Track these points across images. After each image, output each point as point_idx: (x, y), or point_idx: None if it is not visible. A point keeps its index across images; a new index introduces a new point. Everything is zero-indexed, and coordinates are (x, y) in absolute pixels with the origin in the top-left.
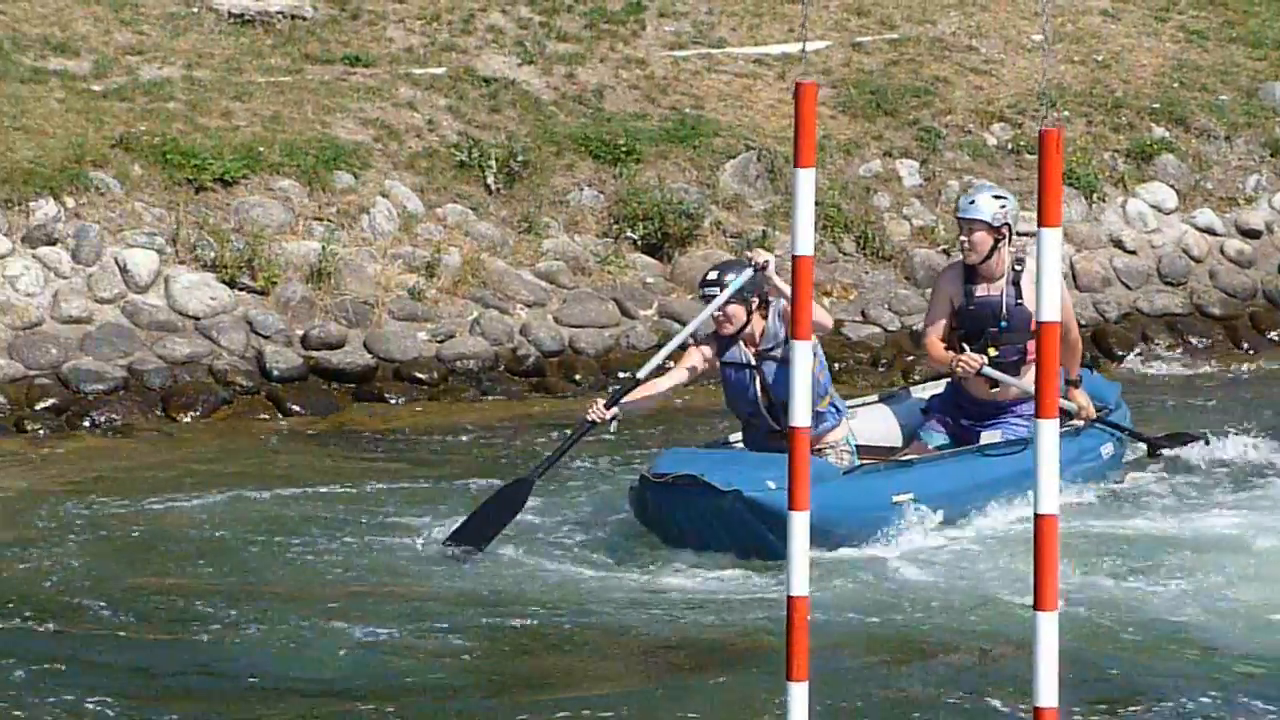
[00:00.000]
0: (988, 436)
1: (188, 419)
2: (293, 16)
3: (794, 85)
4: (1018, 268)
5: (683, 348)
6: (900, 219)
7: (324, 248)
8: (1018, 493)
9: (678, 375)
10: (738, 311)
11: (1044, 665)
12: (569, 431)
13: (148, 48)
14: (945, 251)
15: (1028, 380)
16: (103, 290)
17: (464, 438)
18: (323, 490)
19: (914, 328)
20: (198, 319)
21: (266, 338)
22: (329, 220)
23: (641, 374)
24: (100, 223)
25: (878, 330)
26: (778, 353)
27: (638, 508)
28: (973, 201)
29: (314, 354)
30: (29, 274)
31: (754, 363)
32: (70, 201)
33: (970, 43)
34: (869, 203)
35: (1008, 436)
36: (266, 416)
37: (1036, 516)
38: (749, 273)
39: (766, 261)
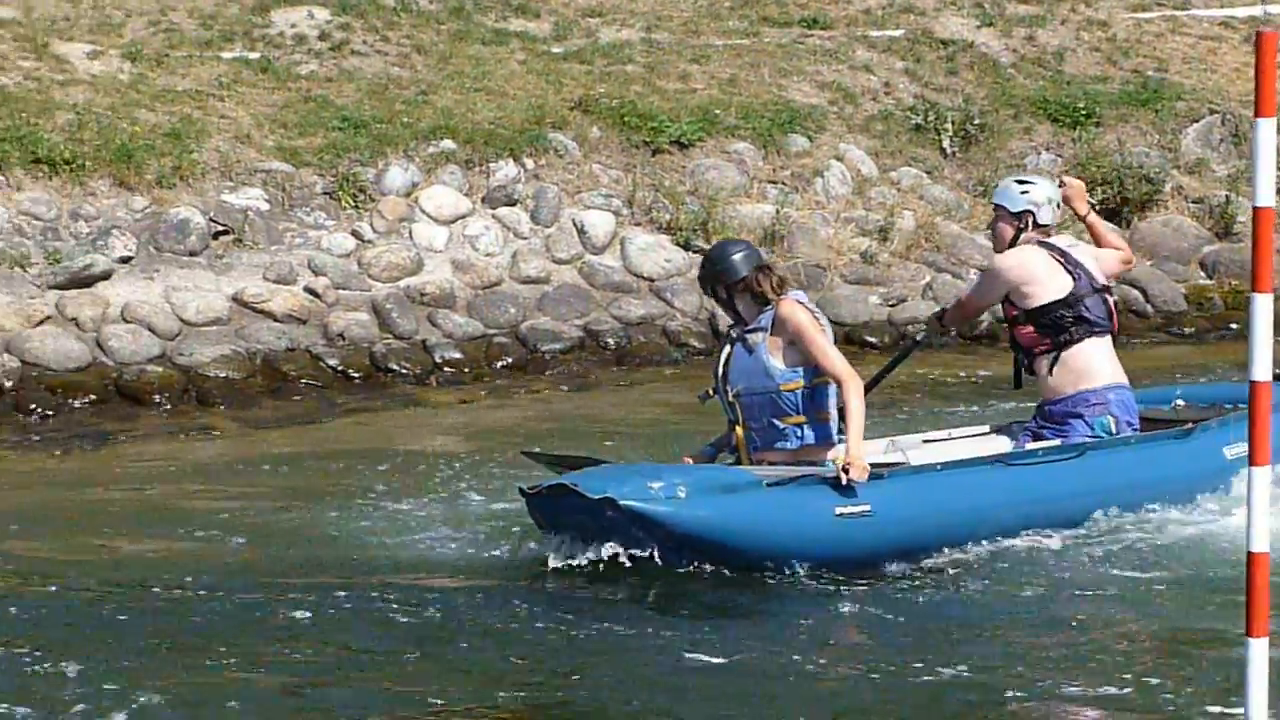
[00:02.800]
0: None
1: (640, 377)
2: None
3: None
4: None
5: None
6: None
7: (777, 210)
8: (1032, 510)
9: None
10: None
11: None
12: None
13: (607, 10)
14: None
15: (1056, 375)
16: (560, 251)
17: (918, 394)
18: None
19: None
20: (652, 280)
21: None
22: (783, 183)
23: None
24: (559, 184)
25: None
26: (751, 338)
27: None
28: (997, 188)
29: None
30: (489, 234)
31: (732, 338)
32: (530, 163)
33: None
34: None
35: (1067, 443)
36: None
37: (1248, 554)
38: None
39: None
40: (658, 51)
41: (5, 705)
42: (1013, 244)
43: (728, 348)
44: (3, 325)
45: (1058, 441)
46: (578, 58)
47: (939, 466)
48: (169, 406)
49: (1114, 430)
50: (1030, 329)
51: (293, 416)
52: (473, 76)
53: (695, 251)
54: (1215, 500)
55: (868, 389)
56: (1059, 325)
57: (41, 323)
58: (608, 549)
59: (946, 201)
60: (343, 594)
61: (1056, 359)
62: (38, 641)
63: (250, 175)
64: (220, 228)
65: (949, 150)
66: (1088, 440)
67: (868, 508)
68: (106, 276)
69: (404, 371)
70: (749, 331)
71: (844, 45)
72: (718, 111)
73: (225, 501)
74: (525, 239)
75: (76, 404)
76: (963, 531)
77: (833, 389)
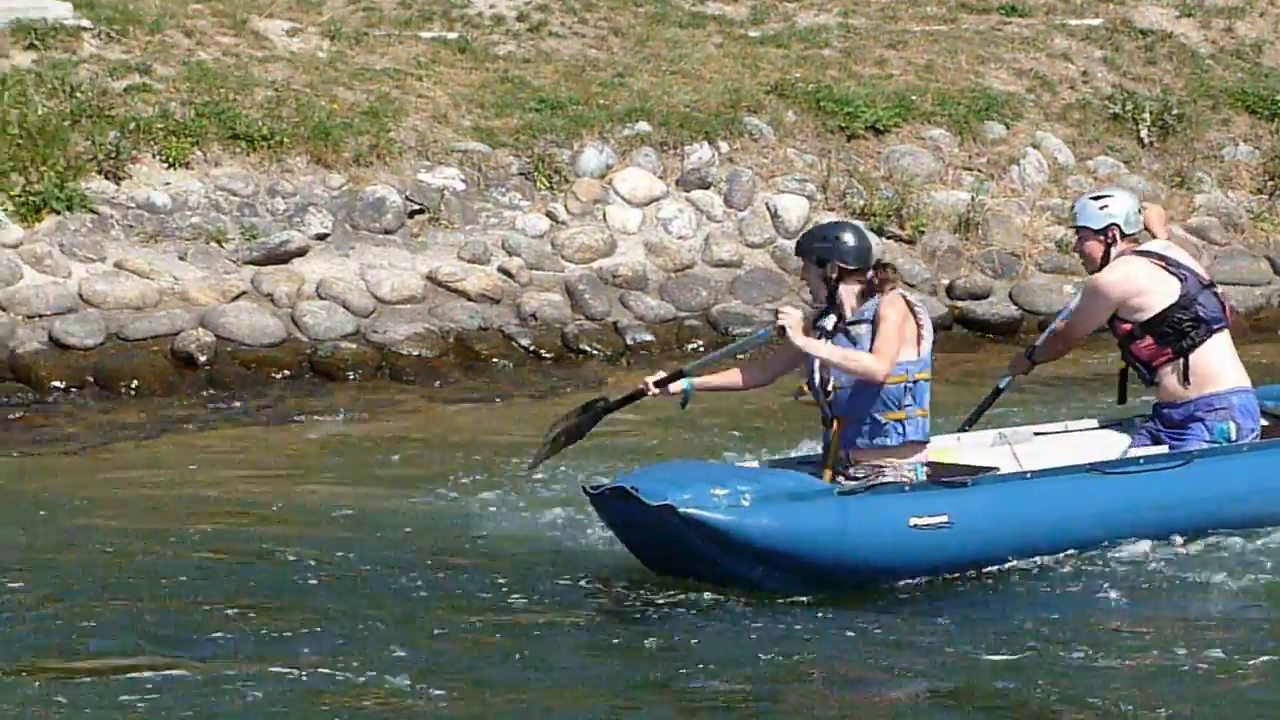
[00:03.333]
0: (1138, 450)
1: None
2: None
3: None
4: None
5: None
6: None
7: (973, 198)
8: (1129, 522)
9: (758, 369)
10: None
11: None
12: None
13: None
14: None
15: (1183, 381)
16: (753, 235)
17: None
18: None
19: None
20: None
21: (912, 286)
22: (978, 170)
23: (687, 368)
24: (753, 168)
25: None
26: (855, 329)
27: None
28: (1077, 209)
29: (959, 304)
30: (682, 217)
31: (830, 331)
32: (724, 146)
33: None
34: None
35: (1178, 449)
36: None
37: None
38: (763, 334)
39: (783, 328)
40: (854, 36)
41: (252, 669)
42: (1104, 261)
43: (824, 340)
44: (198, 300)
45: (1164, 448)
46: (774, 42)
47: (1028, 475)
48: (362, 383)
49: (1234, 436)
50: (1149, 341)
51: (484, 394)
52: (669, 59)
53: (889, 237)
54: None
55: (960, 428)
56: (1179, 330)
57: (237, 298)
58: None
59: (1143, 191)
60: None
61: (1186, 365)
62: (270, 606)
63: (447, 155)
64: (416, 206)
65: (1146, 140)
66: (1196, 448)
67: (945, 518)
68: (302, 253)
69: (595, 353)
70: (853, 323)
71: (1042, 33)
72: (914, 97)
73: (416, 470)
74: (718, 222)
75: (270, 379)
76: (1047, 544)
77: (928, 385)
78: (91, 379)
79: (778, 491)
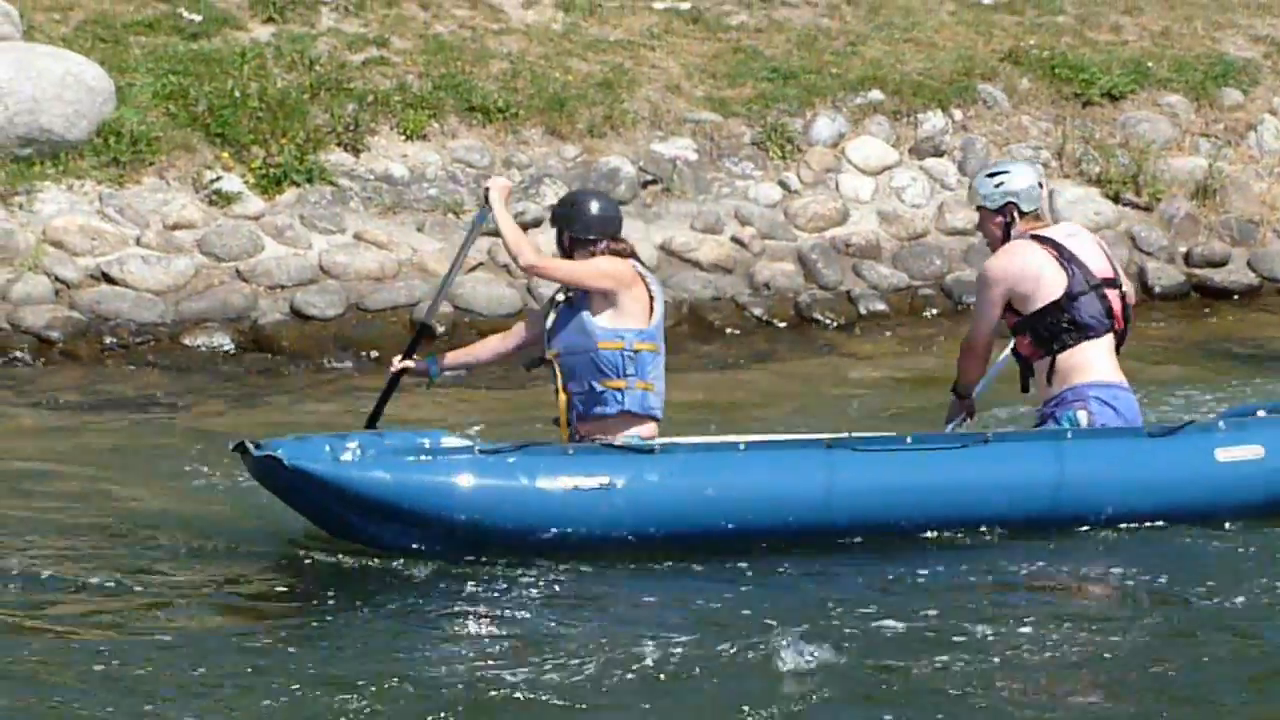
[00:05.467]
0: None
1: None
2: None
3: None
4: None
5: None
6: None
7: (1210, 164)
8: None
9: (501, 342)
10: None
11: None
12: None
13: None
14: None
15: (1040, 377)
16: None
17: None
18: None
19: None
20: None
21: (1149, 254)
22: (1215, 137)
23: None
24: (986, 135)
25: None
26: (573, 295)
27: None
28: (972, 186)
29: (1196, 271)
30: (915, 185)
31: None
32: (958, 114)
33: None
34: None
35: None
36: (1143, 324)
37: None
38: (480, 217)
39: (488, 189)
40: (1089, 2)
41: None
42: (1005, 242)
43: (552, 312)
44: (436, 271)
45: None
46: (1008, 9)
47: (741, 445)
48: None
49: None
50: (1028, 339)
51: (717, 362)
52: (902, 28)
53: (1125, 204)
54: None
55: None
56: (1053, 333)
57: (474, 269)
58: None
59: None
60: None
61: (1053, 365)
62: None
63: (679, 125)
64: (649, 177)
65: None
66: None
67: (608, 480)
68: (537, 224)
69: (828, 322)
70: (570, 294)
71: None
72: (1149, 64)
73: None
74: (952, 190)
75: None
76: (733, 518)
77: (654, 357)
78: (332, 348)
79: (389, 450)
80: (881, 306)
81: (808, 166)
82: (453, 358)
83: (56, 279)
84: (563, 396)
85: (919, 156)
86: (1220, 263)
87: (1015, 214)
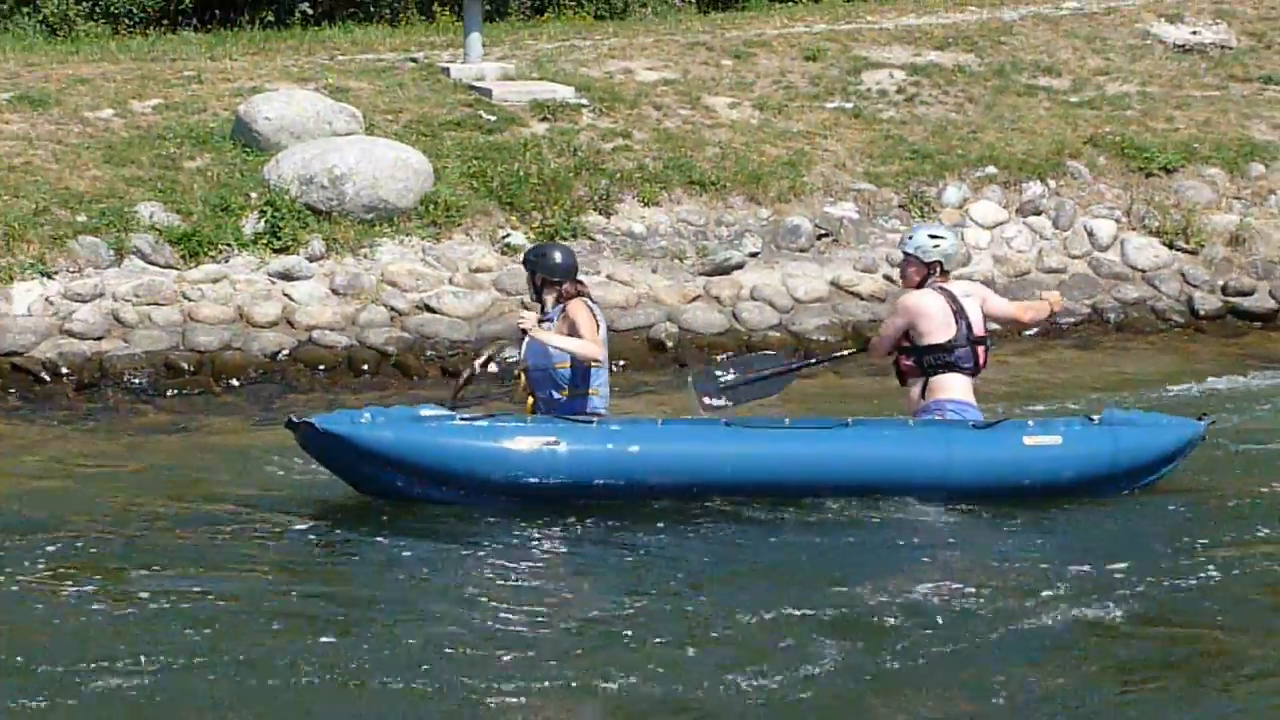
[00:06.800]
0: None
1: (1133, 344)
2: (1222, 47)
3: None
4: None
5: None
6: None
7: (1241, 220)
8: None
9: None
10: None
11: None
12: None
13: (1112, 70)
14: None
15: (912, 391)
16: (1074, 249)
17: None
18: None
19: None
20: (1144, 271)
21: (1195, 286)
22: (1245, 199)
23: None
24: (1073, 199)
25: None
26: (546, 325)
27: None
28: (910, 237)
29: (1231, 299)
30: (1020, 236)
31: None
32: (1052, 183)
33: None
34: None
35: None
36: (1190, 342)
37: None
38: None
39: (524, 330)
40: (1150, 101)
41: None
42: (919, 286)
43: (525, 339)
44: (665, 301)
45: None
46: (1089, 105)
47: (658, 421)
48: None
49: None
50: (912, 361)
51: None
52: (1010, 120)
53: (1177, 250)
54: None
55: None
56: (933, 366)
57: (694, 300)
58: None
59: None
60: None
61: (925, 384)
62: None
63: (845, 193)
64: (822, 231)
65: None
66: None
67: (555, 440)
68: (740, 266)
69: None
70: (543, 320)
71: None
72: (1195, 145)
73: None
74: (1048, 240)
75: (716, 359)
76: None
77: (597, 373)
78: None
79: (394, 417)
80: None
81: (940, 222)
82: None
83: (391, 309)
84: (530, 400)
85: (1023, 215)
86: (1249, 293)
87: (939, 270)
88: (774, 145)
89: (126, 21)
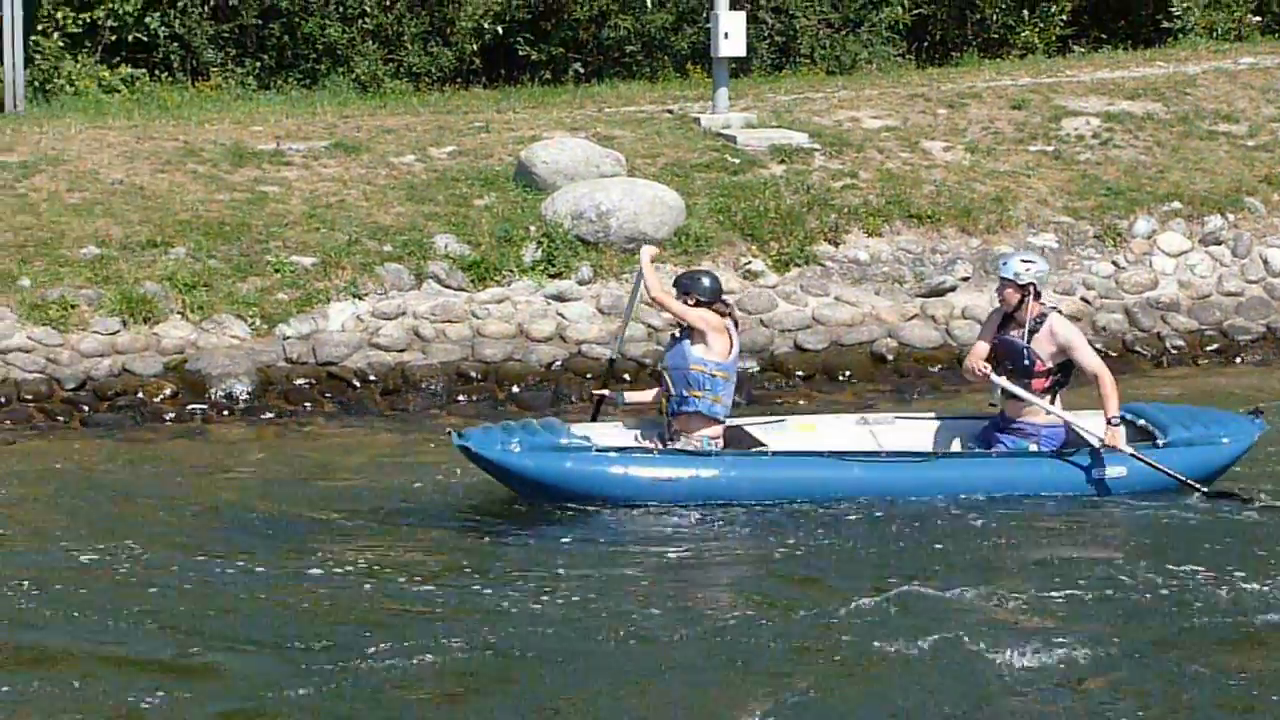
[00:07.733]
0: (955, 445)
1: None
2: None
3: None
4: (1039, 321)
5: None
6: None
7: None
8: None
9: (654, 393)
10: None
11: None
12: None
13: None
14: None
15: (1028, 403)
16: (1251, 275)
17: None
18: None
19: None
20: None
21: None
22: None
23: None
24: (1250, 231)
25: None
26: (682, 331)
27: None
28: (1005, 263)
29: None
30: (1202, 264)
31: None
32: (1230, 217)
33: None
34: None
35: (1000, 448)
36: None
37: None
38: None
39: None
40: None
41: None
42: (1018, 308)
43: (670, 340)
44: (887, 320)
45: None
46: (1264, 148)
47: (769, 453)
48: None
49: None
50: (1048, 381)
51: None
52: (1193, 161)
53: None
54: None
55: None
56: (1062, 381)
57: (911, 318)
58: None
59: None
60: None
61: (1054, 397)
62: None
63: (1045, 225)
64: None
65: None
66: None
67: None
68: (953, 289)
69: (1145, 354)
70: (688, 330)
71: None
72: None
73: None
74: (1227, 267)
75: (931, 371)
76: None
77: (726, 383)
78: (820, 371)
79: (538, 444)
80: (1180, 343)
81: (1130, 252)
82: (630, 395)
83: (649, 326)
84: (664, 399)
85: (1205, 245)
86: None
87: (1035, 292)
88: (983, 183)
89: (426, 80)
